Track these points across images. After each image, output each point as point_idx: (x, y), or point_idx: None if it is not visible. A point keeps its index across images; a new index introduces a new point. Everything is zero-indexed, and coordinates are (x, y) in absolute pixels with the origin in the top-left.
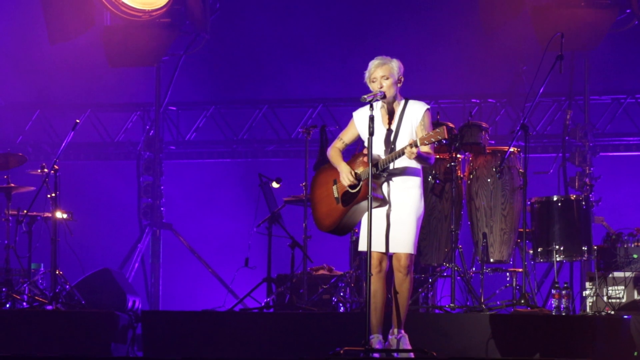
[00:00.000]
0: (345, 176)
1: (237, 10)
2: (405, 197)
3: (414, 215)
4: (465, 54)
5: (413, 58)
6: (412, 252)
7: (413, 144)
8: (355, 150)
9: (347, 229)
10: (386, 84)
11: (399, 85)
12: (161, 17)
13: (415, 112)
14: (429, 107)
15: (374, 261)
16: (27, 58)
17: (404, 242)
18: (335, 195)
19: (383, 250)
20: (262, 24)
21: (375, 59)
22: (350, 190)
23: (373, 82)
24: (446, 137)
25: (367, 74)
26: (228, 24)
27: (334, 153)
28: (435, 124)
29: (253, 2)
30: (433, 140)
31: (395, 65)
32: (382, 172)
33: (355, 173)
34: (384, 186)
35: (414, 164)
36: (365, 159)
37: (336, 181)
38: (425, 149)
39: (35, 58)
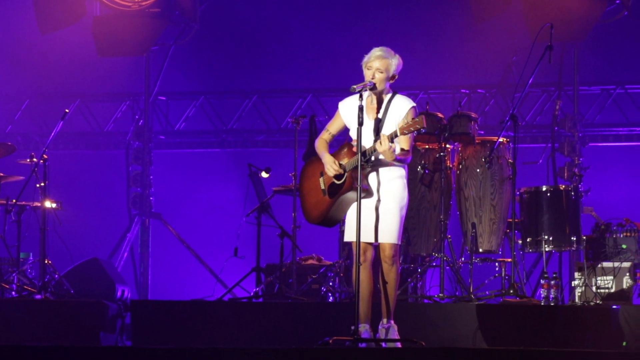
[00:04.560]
0: (330, 166)
1: (226, 0)
2: (389, 187)
3: (398, 206)
4: (456, 44)
5: (403, 48)
6: (397, 242)
7: (393, 135)
8: (345, 141)
9: (335, 220)
10: (379, 77)
11: (391, 81)
12: (151, 7)
13: (400, 107)
14: (414, 104)
15: (357, 251)
16: (17, 48)
17: (388, 232)
18: (322, 187)
19: (367, 240)
20: (252, 14)
21: (379, 48)
22: (336, 181)
23: (368, 69)
24: (424, 125)
25: (365, 59)
26: (217, 14)
27: (320, 144)
28: (424, 114)
29: None
30: (412, 129)
31: (394, 62)
32: (366, 162)
33: (340, 164)
34: (369, 177)
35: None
36: (349, 150)
37: (322, 173)
38: (402, 144)
39: (25, 48)
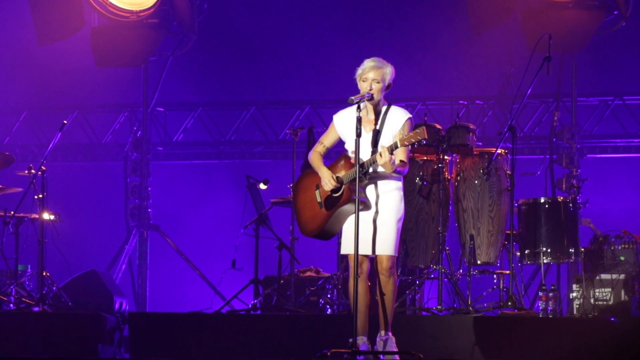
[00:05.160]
0: (327, 181)
1: (224, 11)
2: (386, 199)
3: (395, 218)
4: (454, 55)
5: (401, 59)
6: (393, 254)
7: (393, 146)
8: (342, 152)
9: (331, 233)
10: (376, 87)
11: (386, 90)
12: (149, 17)
13: (396, 119)
14: (410, 116)
15: (354, 263)
16: (16, 59)
17: (385, 244)
18: (319, 200)
19: (364, 252)
20: (250, 25)
21: (371, 59)
22: (333, 194)
23: (364, 81)
24: (426, 137)
25: (359, 71)
26: (216, 25)
27: (315, 157)
28: (423, 126)
29: (240, 4)
30: (413, 140)
31: (388, 71)
32: (364, 174)
33: (337, 177)
34: (366, 189)
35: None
36: (347, 163)
37: (319, 186)
38: (401, 156)
39: (23, 59)
